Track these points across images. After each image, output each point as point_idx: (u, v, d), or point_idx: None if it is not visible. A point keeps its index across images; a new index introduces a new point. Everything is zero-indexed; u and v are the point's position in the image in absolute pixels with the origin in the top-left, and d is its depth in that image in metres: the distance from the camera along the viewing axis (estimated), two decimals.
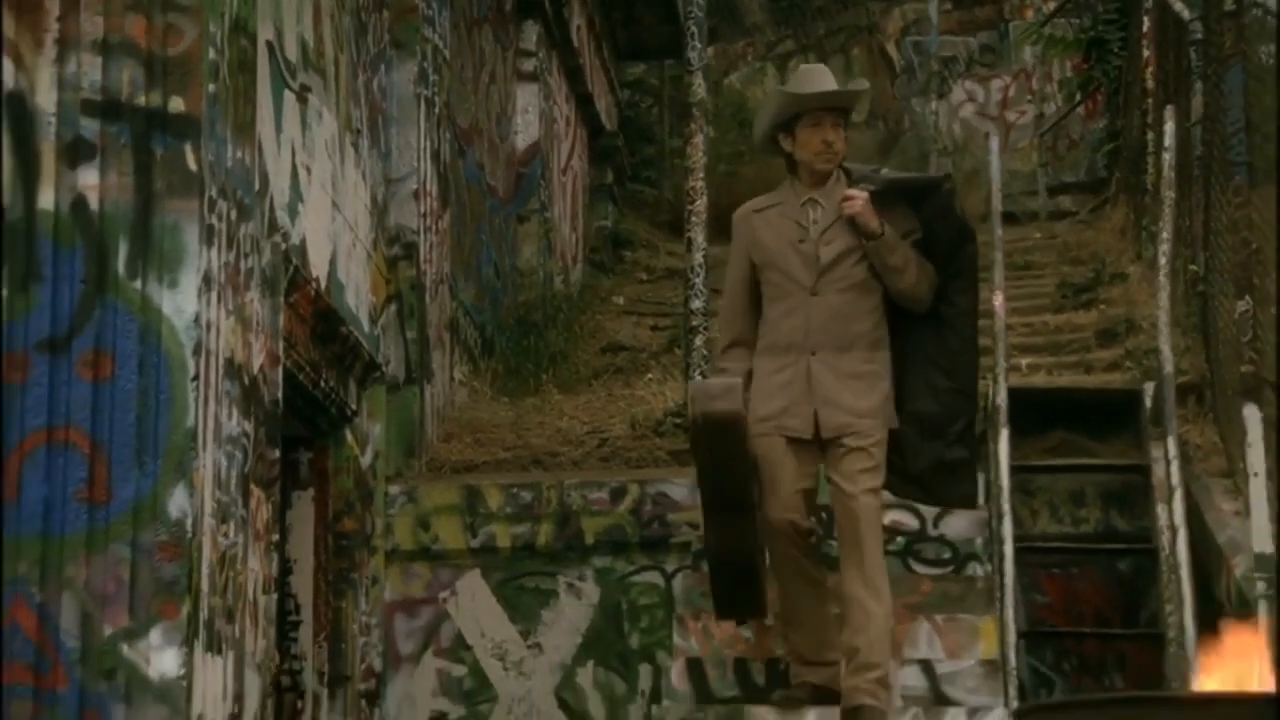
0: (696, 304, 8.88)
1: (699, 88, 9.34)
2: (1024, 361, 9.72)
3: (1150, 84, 10.80)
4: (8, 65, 5.78)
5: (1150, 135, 10.74)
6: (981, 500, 7.26)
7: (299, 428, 7.12)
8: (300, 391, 6.86)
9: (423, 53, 8.83)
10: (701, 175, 9.00)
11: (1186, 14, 8.75)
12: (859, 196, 5.87)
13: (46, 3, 5.81)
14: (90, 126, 5.77)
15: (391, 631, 8.08)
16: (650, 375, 10.60)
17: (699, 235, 8.96)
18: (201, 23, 5.84)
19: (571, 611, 8.22)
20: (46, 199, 5.74)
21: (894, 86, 18.79)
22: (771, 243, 6.02)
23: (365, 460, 7.92)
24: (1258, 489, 6.21)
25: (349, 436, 7.72)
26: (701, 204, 9.03)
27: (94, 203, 5.75)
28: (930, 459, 5.97)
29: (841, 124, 6.13)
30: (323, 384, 7.22)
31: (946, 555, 7.82)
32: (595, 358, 10.95)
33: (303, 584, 7.38)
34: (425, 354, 8.88)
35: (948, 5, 17.90)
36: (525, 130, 11.13)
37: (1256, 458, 6.23)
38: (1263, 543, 6.18)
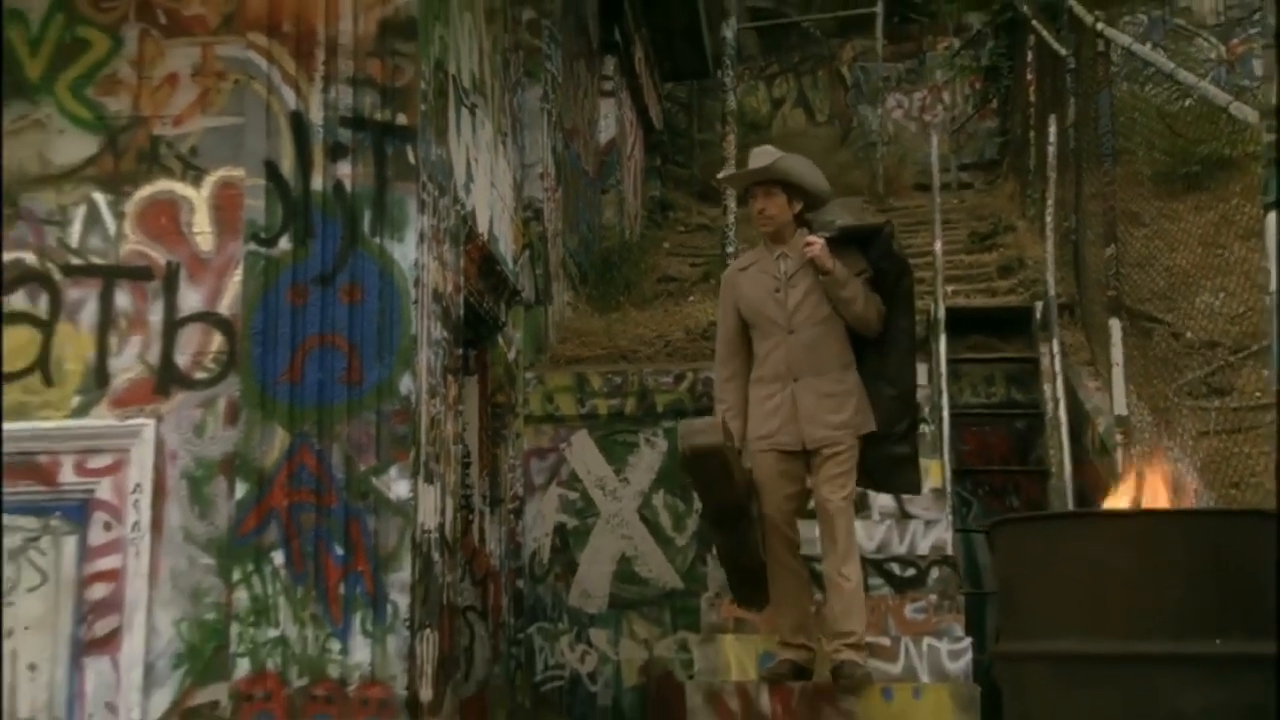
0: (730, 249, 8.90)
1: (730, 101, 9.43)
2: (949, 289, 9.44)
3: (1033, 98, 10.83)
4: (290, 93, 5.79)
5: (1033, 133, 10.74)
6: (922, 433, 6.61)
7: (469, 334, 7.18)
8: (471, 310, 6.85)
9: (544, 79, 8.78)
10: (733, 161, 9.08)
11: (1063, 51, 8.73)
12: (816, 242, 5.26)
13: (316, 50, 5.80)
14: (345, 134, 5.80)
15: (528, 469, 8.09)
16: (692, 297, 10.49)
17: (731, 202, 9.07)
18: (416, 64, 5.85)
19: (648, 456, 8.15)
20: (317, 183, 5.76)
21: (847, 97, 18.69)
22: (753, 295, 5.39)
23: (510, 355, 7.90)
24: (1118, 374, 6.36)
25: (500, 340, 7.70)
26: (731, 195, 9.09)
27: (348, 185, 5.77)
28: (877, 455, 5.30)
29: (775, 192, 5.39)
30: (484, 305, 7.21)
31: None
32: (654, 285, 10.82)
33: (473, 437, 7.33)
34: (547, 284, 8.86)
35: (884, 41, 17.75)
36: (605, 130, 11.08)
37: (1117, 353, 6.37)
38: (1120, 408, 6.34)
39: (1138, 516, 3.18)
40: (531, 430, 8.17)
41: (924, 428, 7.36)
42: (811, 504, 5.46)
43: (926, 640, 5.47)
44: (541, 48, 8.70)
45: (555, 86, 9.10)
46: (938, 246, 8.05)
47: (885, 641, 5.50)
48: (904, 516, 6.51)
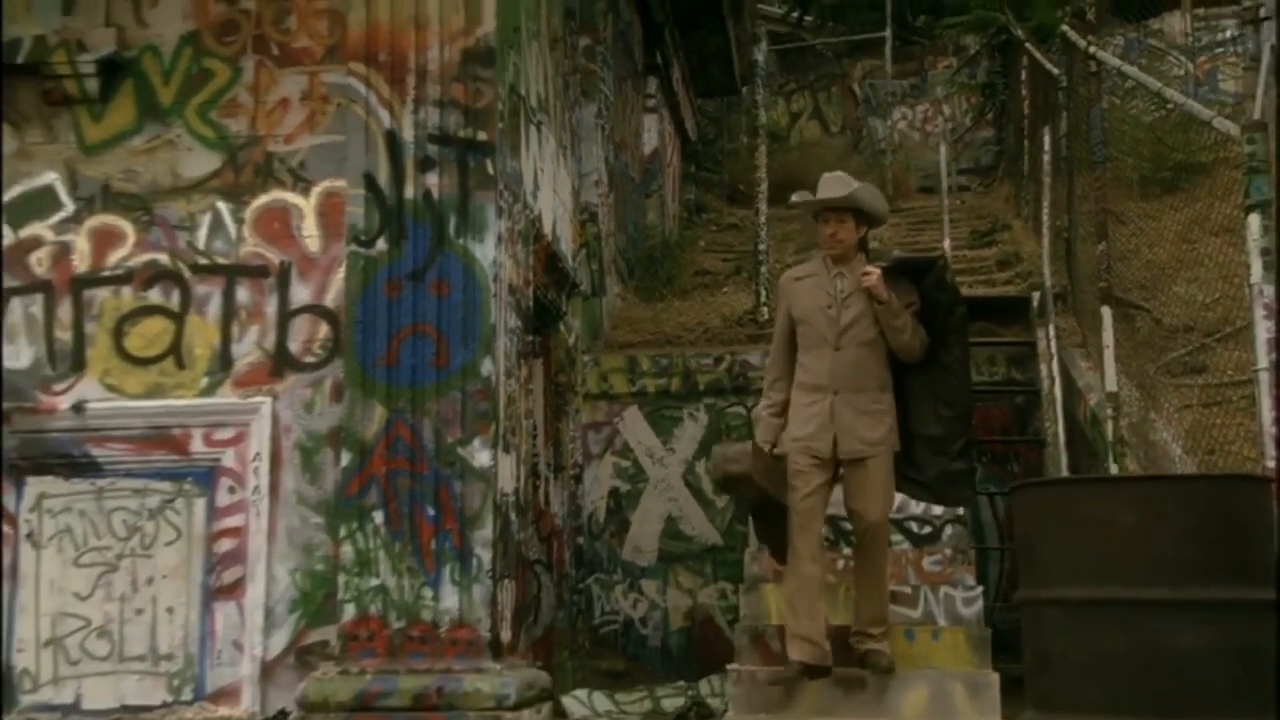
0: (761, 246, 8.91)
1: (761, 116, 9.44)
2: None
3: (1026, 111, 10.79)
4: (385, 114, 5.81)
5: (1026, 143, 10.70)
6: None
7: (536, 322, 7.20)
8: (537, 301, 6.84)
9: (598, 98, 8.79)
10: (764, 168, 9.10)
11: (1056, 71, 8.68)
12: (874, 273, 4.94)
13: (407, 77, 5.83)
14: (433, 149, 5.82)
15: (586, 440, 8.08)
16: (726, 289, 10.40)
17: (763, 204, 9.08)
18: (494, 88, 5.88)
19: (691, 429, 8.12)
20: (409, 192, 5.79)
21: (857, 110, 18.66)
22: (806, 305, 5.12)
23: (570, 341, 7.90)
24: (1108, 355, 6.33)
25: (562, 327, 7.71)
26: (764, 186, 9.14)
27: (435, 194, 5.80)
28: (937, 470, 5.00)
29: (846, 219, 5.08)
30: (549, 297, 7.22)
31: None
32: (692, 278, 10.75)
33: (539, 413, 7.32)
34: (601, 278, 8.84)
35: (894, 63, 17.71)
36: (649, 142, 11.06)
37: (1108, 336, 6.34)
38: (1110, 385, 6.30)
39: (1141, 481, 3.25)
40: (589, 406, 8.17)
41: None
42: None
43: (943, 589, 5.50)
44: (596, 70, 8.71)
45: (607, 104, 9.10)
46: (946, 244, 8.05)
47: (907, 590, 5.53)
48: None
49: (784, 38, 18.89)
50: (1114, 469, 6.17)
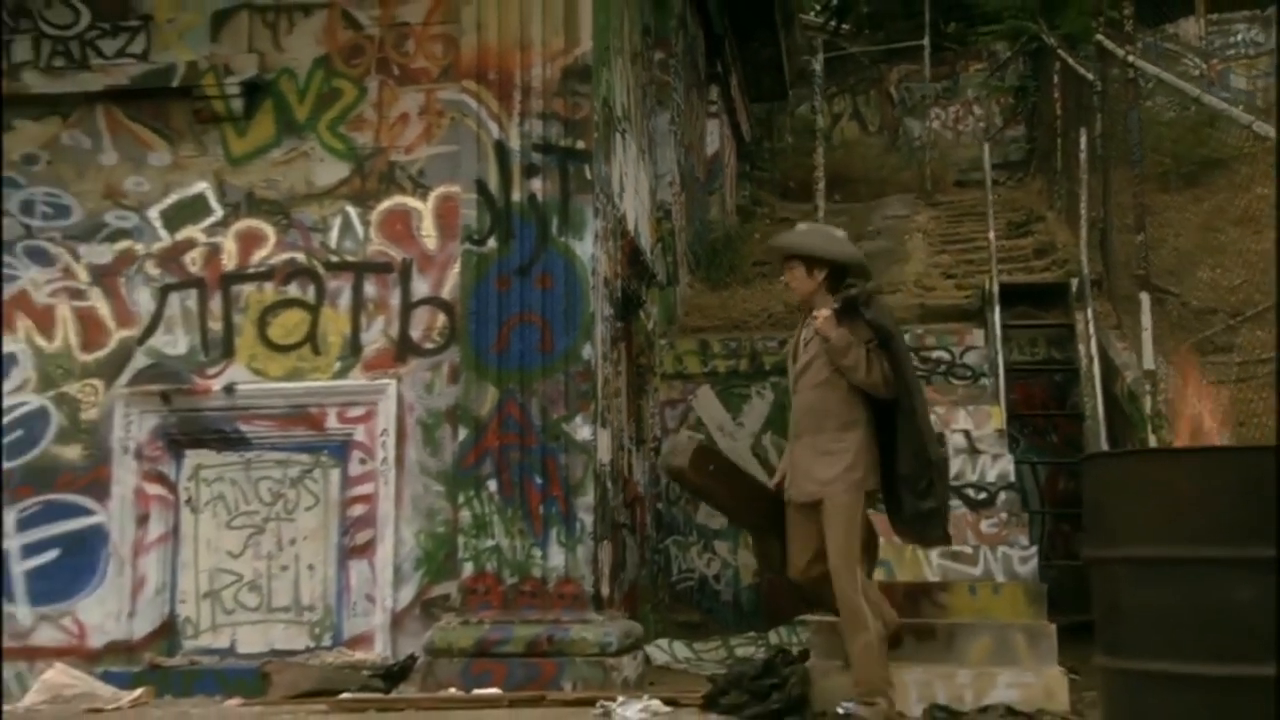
0: None
1: (819, 120, 9.45)
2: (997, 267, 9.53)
3: (1059, 113, 10.70)
4: (494, 126, 5.87)
5: (1060, 141, 10.62)
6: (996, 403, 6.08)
7: (621, 310, 7.26)
8: (623, 291, 6.90)
9: (671, 106, 8.81)
10: (822, 167, 9.11)
11: (1090, 76, 8.61)
12: (822, 313, 4.41)
13: (514, 93, 5.89)
14: (537, 157, 5.88)
15: (664, 416, 8.15)
16: (783, 278, 10.46)
17: (820, 200, 9.09)
18: (590, 101, 5.94)
19: (758, 405, 8.16)
20: (516, 196, 5.85)
21: (894, 111, 18.53)
22: (790, 358, 4.71)
23: (649, 326, 7.94)
24: (1146, 337, 6.32)
25: (642, 314, 7.73)
26: (822, 184, 9.15)
27: (539, 197, 5.86)
28: (911, 509, 4.40)
29: (796, 266, 4.53)
30: (631, 287, 7.23)
31: (969, 374, 7.66)
32: (751, 268, 10.70)
33: (623, 391, 7.33)
34: (675, 269, 8.89)
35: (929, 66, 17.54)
36: (711, 144, 11.06)
37: (1147, 319, 6.33)
38: (1149, 363, 6.31)
39: (1200, 452, 3.31)
40: (666, 385, 8.23)
41: (984, 380, 7.37)
42: None
43: (1000, 549, 5.53)
44: (669, 81, 8.73)
45: (679, 112, 9.12)
46: (991, 236, 8.05)
47: (967, 550, 5.58)
48: (973, 451, 6.53)
49: (826, 45, 18.82)
50: (1153, 440, 6.20)
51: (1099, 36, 7.94)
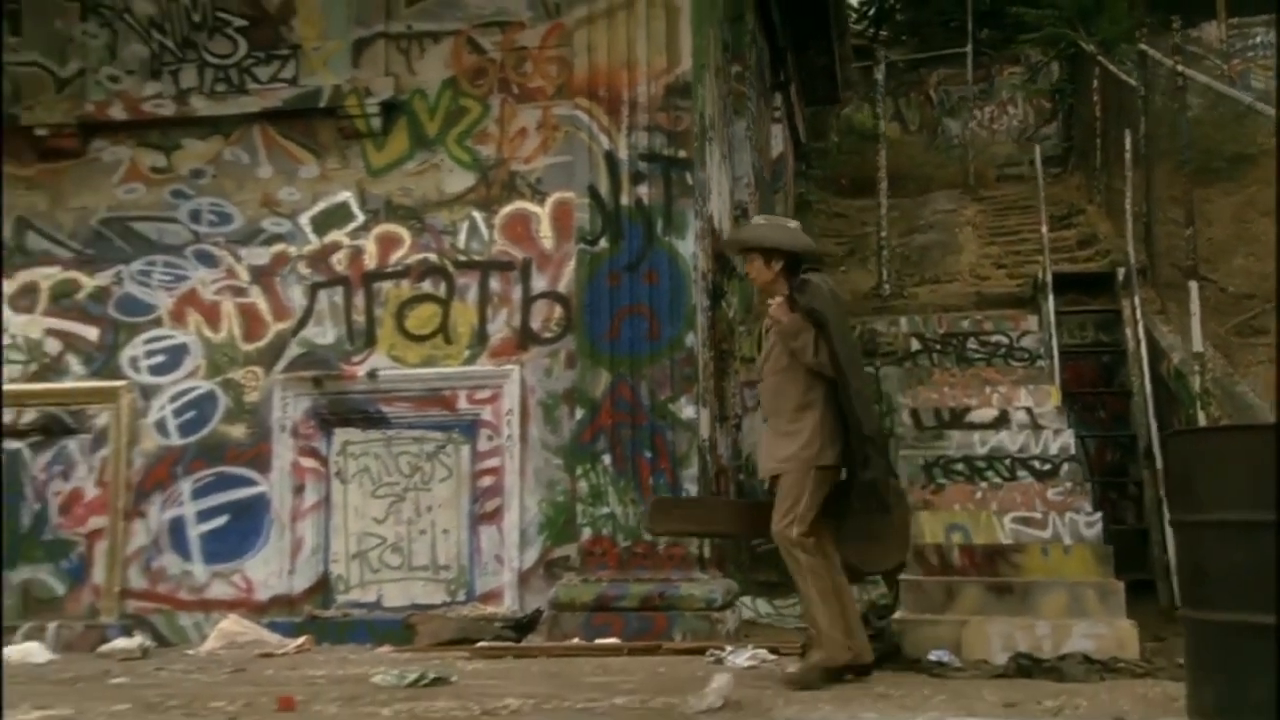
0: (884, 233, 8.99)
1: (881, 125, 9.49)
2: (1041, 257, 9.48)
3: (1098, 114, 10.65)
4: (604, 138, 6.01)
5: (1099, 141, 10.58)
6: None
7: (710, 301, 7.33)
8: (710, 283, 6.74)
9: (746, 115, 8.88)
10: (884, 167, 9.14)
11: (1133, 82, 8.55)
12: (775, 300, 4.37)
13: (621, 108, 6.03)
14: (643, 166, 6.02)
15: (743, 396, 8.04)
16: (843, 268, 10.31)
17: (884, 197, 9.14)
18: (690, 115, 6.07)
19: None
20: (624, 200, 6.00)
21: (934, 112, 18.44)
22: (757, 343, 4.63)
23: (730, 314, 7.85)
24: (1195, 322, 6.34)
25: (724, 304, 7.61)
26: (885, 185, 9.20)
27: (646, 201, 6.00)
28: (858, 482, 4.19)
29: (753, 258, 4.43)
30: (716, 279, 7.02)
31: (1026, 356, 7.61)
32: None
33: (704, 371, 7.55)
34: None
35: (960, 69, 17.42)
36: (775, 147, 11.06)
37: (1195, 305, 6.31)
38: (1197, 345, 6.28)
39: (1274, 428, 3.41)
40: (745, 368, 8.13)
41: (1041, 361, 7.36)
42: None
43: (1067, 514, 5.59)
44: (745, 92, 8.78)
45: (752, 119, 9.19)
46: (1044, 230, 8.07)
47: (1037, 515, 5.66)
48: (1036, 427, 6.55)
49: (868, 52, 18.77)
50: (1202, 415, 6.25)
51: (1143, 46, 7.92)
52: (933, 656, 4.76)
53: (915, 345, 7.89)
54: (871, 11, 19.45)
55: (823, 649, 4.24)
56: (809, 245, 4.64)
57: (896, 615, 5.23)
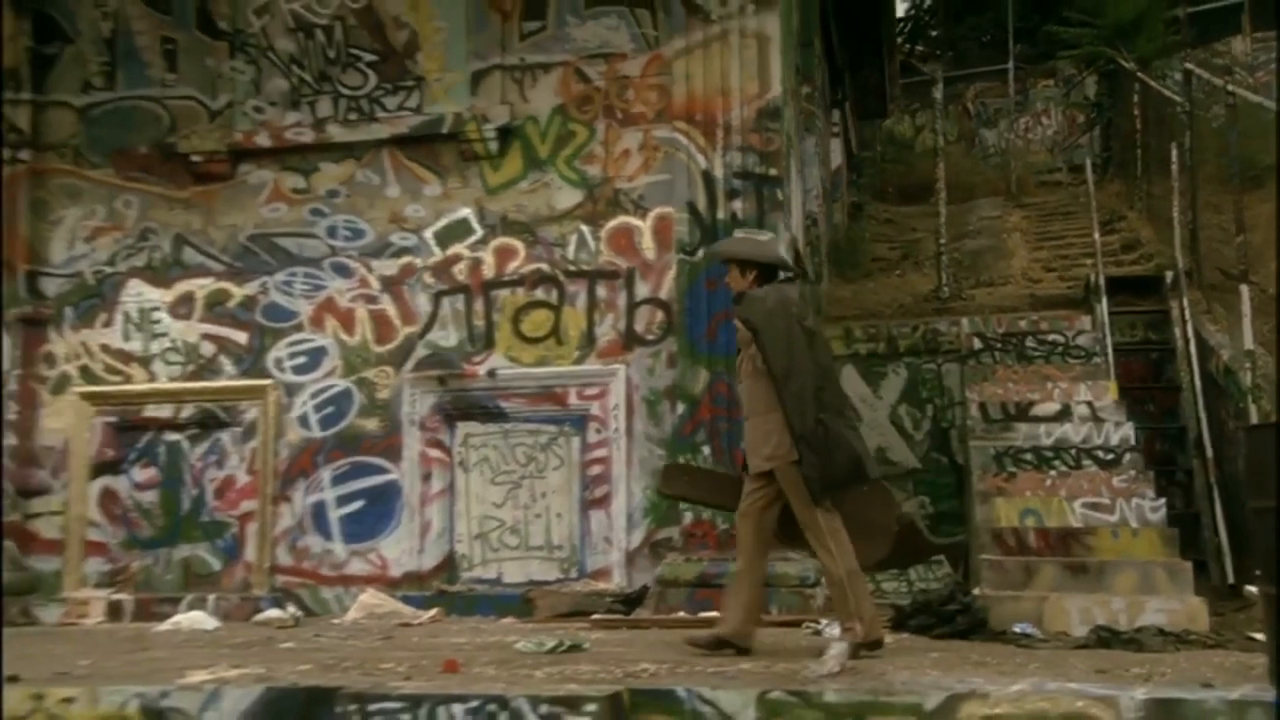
0: (943, 240, 8.98)
1: (939, 139, 9.55)
2: (1088, 261, 9.14)
3: (1139, 126, 10.60)
4: (701, 158, 6.16)
5: (1140, 152, 10.50)
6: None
7: None
8: None
9: (815, 131, 9.00)
10: (942, 179, 9.20)
11: (1178, 99, 8.55)
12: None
13: (716, 130, 6.16)
14: (736, 183, 6.15)
15: None
16: (898, 271, 10.28)
17: (942, 206, 9.17)
18: (779, 136, 6.20)
19: (894, 381, 8.13)
20: (720, 214, 6.15)
21: (971, 122, 18.40)
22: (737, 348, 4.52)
23: None
24: (1247, 324, 6.37)
25: None
26: (943, 194, 9.25)
27: (739, 214, 6.13)
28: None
29: (730, 268, 4.46)
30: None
31: (1082, 354, 7.55)
32: (869, 263, 10.70)
33: None
34: (820, 267, 9.07)
35: (997, 82, 17.41)
36: (834, 159, 11.20)
37: (1246, 306, 6.36)
38: (1249, 343, 6.33)
39: None
40: None
41: (1096, 359, 7.37)
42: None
43: (1134, 500, 5.68)
44: (814, 111, 8.93)
45: (820, 135, 9.30)
46: (1096, 236, 8.10)
47: (1105, 501, 5.74)
48: (1097, 419, 6.61)
49: (909, 69, 18.77)
50: (1253, 409, 6.30)
51: (1189, 66, 7.94)
52: (1017, 629, 4.87)
53: (977, 344, 7.85)
54: (907, 28, 19.44)
55: (851, 630, 4.28)
56: (779, 257, 4.71)
57: (976, 591, 5.37)
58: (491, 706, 3.59)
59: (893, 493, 4.94)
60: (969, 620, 4.98)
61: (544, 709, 3.55)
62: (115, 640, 5.57)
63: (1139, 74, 10.27)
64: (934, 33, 20.68)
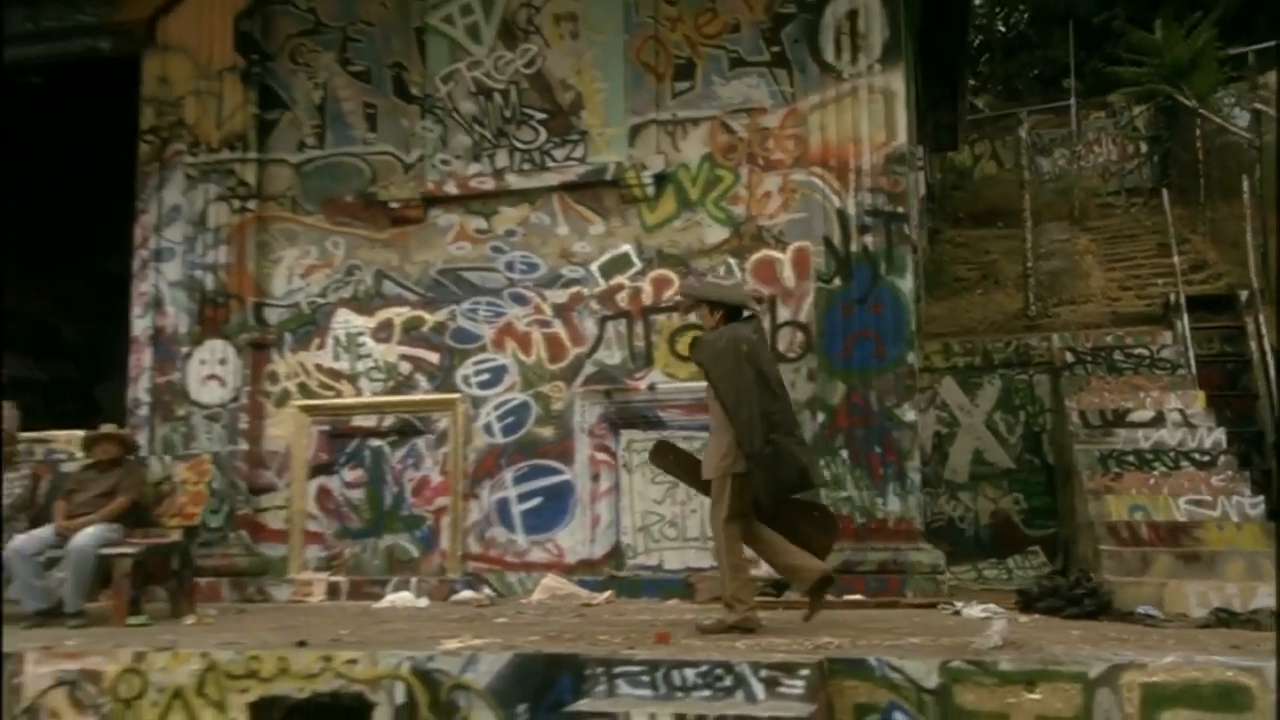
0: (1030, 263, 9.09)
1: (1025, 174, 9.66)
2: (1159, 281, 9.38)
3: (1201, 156, 10.65)
4: (835, 198, 6.35)
5: (1201, 180, 10.54)
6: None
7: None
8: None
9: (913, 167, 9.11)
10: (1028, 207, 9.27)
11: (1246, 135, 8.61)
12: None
13: (849, 174, 6.32)
14: (868, 220, 6.34)
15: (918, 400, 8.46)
16: (979, 290, 10.39)
17: (1029, 231, 9.26)
18: (905, 178, 6.38)
19: (989, 390, 8.35)
20: (853, 247, 6.29)
21: (1024, 152, 18.42)
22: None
23: None
24: None
25: None
26: (1029, 221, 9.33)
27: (870, 248, 6.29)
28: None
29: (701, 308, 4.83)
30: None
31: (1167, 365, 7.70)
32: (954, 282, 10.82)
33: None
34: (921, 288, 9.16)
35: (1054, 114, 17.40)
36: (919, 191, 11.29)
37: None
38: None
39: None
40: (919, 376, 8.58)
41: (1180, 370, 7.50)
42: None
43: (1234, 497, 5.84)
44: (914, 150, 9.05)
45: (915, 170, 9.47)
46: (1175, 260, 8.20)
47: (1206, 498, 5.91)
48: (1189, 425, 6.73)
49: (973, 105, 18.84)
50: None
51: (1259, 105, 8.04)
52: (1141, 610, 5.12)
53: (1070, 358, 8.03)
54: None
55: (733, 610, 4.63)
56: (742, 299, 5.02)
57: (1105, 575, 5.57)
58: (719, 670, 3.94)
59: (829, 510, 5.27)
60: (1096, 603, 5.21)
61: (764, 673, 3.89)
62: (348, 615, 6.02)
63: (1200, 110, 10.32)
64: (981, 69, 20.71)
